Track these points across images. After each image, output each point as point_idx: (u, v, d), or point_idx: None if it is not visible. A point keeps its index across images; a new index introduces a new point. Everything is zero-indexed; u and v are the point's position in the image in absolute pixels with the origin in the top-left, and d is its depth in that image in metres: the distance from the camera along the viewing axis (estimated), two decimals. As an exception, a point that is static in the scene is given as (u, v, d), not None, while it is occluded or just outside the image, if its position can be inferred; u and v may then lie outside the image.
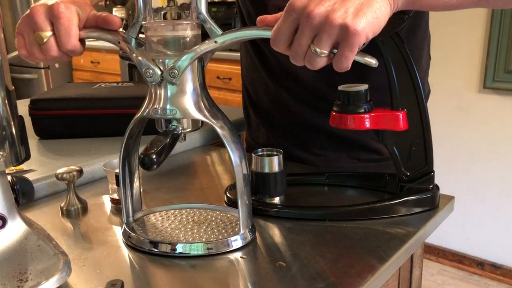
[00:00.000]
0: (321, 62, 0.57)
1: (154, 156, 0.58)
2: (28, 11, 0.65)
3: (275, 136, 1.07)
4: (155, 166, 0.58)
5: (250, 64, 1.08)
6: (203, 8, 0.63)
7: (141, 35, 0.66)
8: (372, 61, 0.58)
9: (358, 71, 0.59)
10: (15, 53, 0.71)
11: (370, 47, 0.60)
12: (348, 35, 0.54)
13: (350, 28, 0.53)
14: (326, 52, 0.56)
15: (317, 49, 0.56)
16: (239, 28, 0.62)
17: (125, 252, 0.67)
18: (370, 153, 0.99)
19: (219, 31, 0.63)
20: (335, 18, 0.53)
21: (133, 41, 0.65)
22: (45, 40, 0.65)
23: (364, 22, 0.54)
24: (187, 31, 0.64)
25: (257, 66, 1.04)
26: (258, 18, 0.62)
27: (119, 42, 0.65)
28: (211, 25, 0.63)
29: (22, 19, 0.67)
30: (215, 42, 0.61)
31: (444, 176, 2.27)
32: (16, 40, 0.68)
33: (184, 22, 0.64)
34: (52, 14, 0.64)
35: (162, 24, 0.64)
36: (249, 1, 0.99)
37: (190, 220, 0.73)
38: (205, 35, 0.64)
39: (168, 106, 0.63)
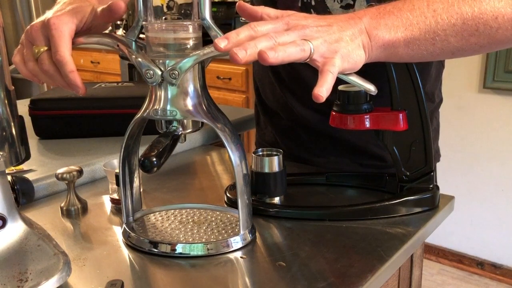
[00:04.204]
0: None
1: (154, 159, 0.58)
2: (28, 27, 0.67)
3: (280, 135, 1.07)
4: (155, 168, 0.58)
5: (260, 63, 1.08)
6: (207, 13, 0.61)
7: (141, 36, 0.66)
8: (371, 88, 0.59)
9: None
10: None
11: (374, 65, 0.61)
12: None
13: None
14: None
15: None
16: None
17: (125, 252, 0.67)
18: (372, 159, 0.98)
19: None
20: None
21: (133, 44, 0.65)
22: (38, 54, 0.65)
23: (343, 63, 0.56)
24: (188, 33, 0.63)
25: (265, 66, 1.05)
26: (238, 3, 0.63)
27: (117, 46, 0.65)
28: (217, 32, 0.61)
29: (23, 34, 0.68)
30: None
31: (444, 176, 2.28)
32: (14, 56, 0.68)
33: (185, 23, 0.64)
34: (46, 28, 0.65)
35: (163, 26, 0.63)
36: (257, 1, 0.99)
37: (190, 220, 0.73)
38: (204, 35, 0.64)
39: (168, 107, 0.63)
